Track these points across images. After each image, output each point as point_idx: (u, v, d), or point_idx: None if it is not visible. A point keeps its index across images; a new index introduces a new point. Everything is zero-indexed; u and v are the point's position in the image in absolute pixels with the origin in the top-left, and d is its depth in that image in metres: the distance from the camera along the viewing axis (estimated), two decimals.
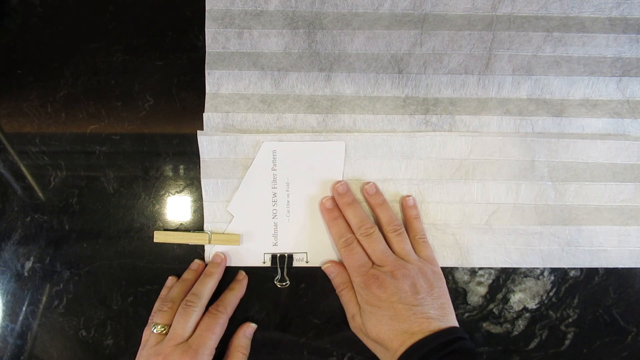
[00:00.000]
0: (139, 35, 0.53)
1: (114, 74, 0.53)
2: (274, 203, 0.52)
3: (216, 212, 0.52)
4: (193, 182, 0.52)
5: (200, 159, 0.51)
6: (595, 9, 0.53)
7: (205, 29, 0.52)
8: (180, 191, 0.52)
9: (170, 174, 0.52)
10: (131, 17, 0.53)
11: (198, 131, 0.51)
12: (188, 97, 0.53)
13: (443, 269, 0.50)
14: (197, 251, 0.52)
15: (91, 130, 0.52)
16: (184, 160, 0.52)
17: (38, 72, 0.52)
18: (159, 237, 0.51)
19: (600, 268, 0.52)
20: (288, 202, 0.52)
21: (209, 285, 0.48)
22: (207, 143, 0.51)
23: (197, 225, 0.52)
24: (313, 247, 0.52)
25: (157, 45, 0.53)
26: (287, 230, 0.52)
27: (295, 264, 0.51)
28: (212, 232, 0.51)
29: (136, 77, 0.53)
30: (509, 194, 0.52)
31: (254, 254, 0.51)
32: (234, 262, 0.52)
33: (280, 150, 0.52)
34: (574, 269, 0.52)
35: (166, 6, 0.53)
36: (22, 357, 0.51)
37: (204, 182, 0.51)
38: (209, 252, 0.51)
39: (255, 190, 0.52)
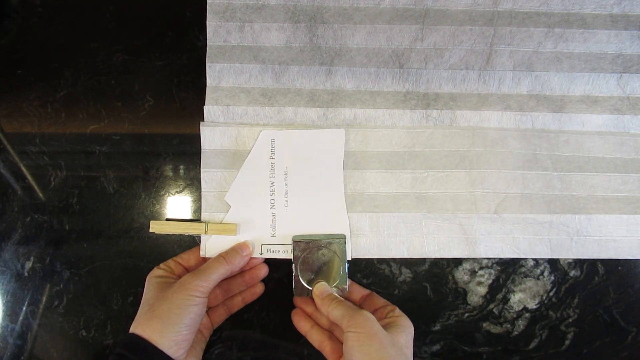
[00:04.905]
0: (139, 35, 0.53)
1: (114, 74, 0.53)
2: (271, 193, 0.51)
3: (213, 202, 0.51)
4: (193, 182, 0.52)
5: (201, 149, 0.51)
6: (597, 6, 0.53)
7: (207, 23, 0.52)
8: (180, 191, 0.52)
9: (170, 174, 0.52)
10: (131, 17, 0.53)
11: (201, 122, 0.51)
12: (188, 97, 0.52)
13: (448, 261, 0.50)
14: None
15: (91, 130, 0.52)
16: (184, 160, 0.52)
17: (38, 72, 0.52)
18: (155, 226, 0.50)
19: (601, 268, 0.52)
20: (286, 191, 0.51)
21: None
22: (210, 133, 0.51)
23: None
24: None
25: (157, 45, 0.53)
26: (285, 221, 0.51)
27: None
28: (208, 222, 0.50)
29: (136, 77, 0.53)
30: (515, 182, 0.51)
31: (251, 245, 0.50)
32: None
33: (279, 139, 0.51)
34: (574, 268, 0.52)
35: (166, 6, 0.53)
36: (22, 357, 0.51)
37: (203, 172, 0.51)
38: (205, 242, 0.50)
39: (252, 180, 0.51)
